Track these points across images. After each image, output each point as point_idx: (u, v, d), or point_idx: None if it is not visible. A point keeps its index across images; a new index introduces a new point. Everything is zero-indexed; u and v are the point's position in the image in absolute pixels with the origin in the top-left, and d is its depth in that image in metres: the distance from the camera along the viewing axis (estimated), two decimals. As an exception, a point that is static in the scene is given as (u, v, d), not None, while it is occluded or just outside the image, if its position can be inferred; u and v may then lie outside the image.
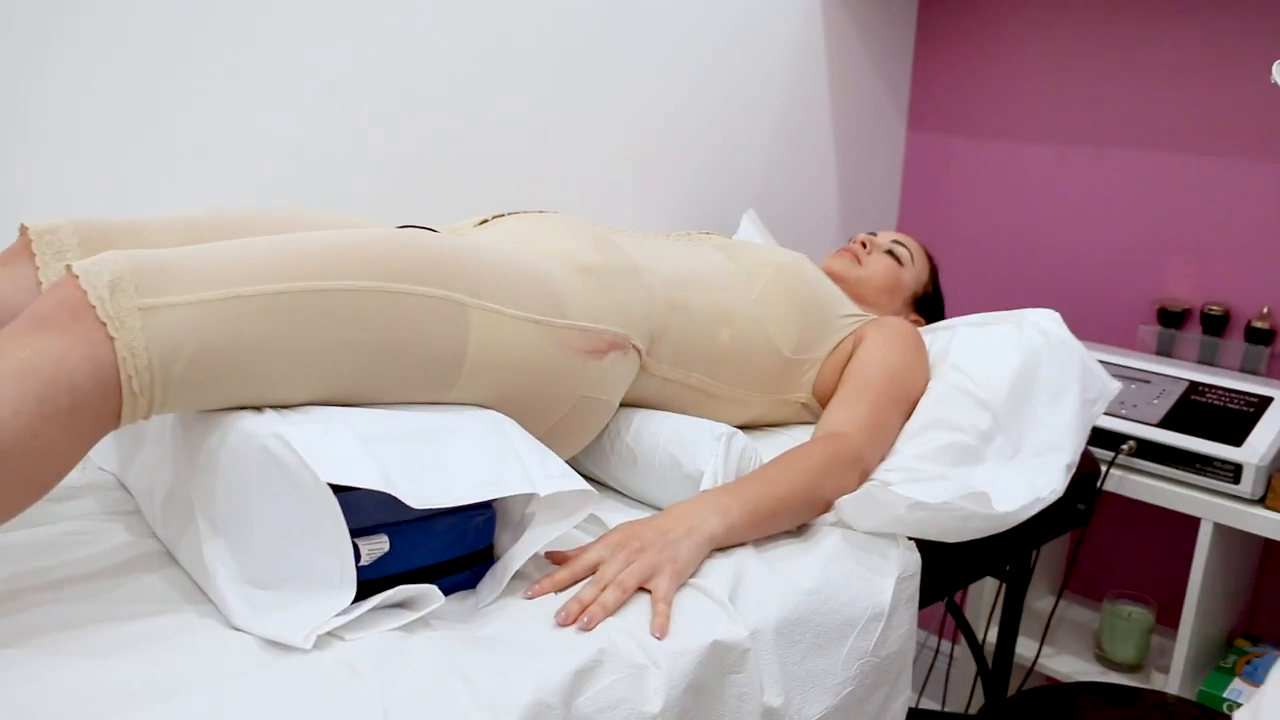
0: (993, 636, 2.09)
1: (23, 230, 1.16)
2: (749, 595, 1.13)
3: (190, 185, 1.55)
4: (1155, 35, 2.20)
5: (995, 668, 1.95)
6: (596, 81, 1.98)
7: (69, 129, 1.44)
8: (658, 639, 1.02)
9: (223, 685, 0.88)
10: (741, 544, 1.21)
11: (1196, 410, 1.93)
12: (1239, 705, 1.85)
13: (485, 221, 1.41)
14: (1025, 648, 2.15)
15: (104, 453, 1.33)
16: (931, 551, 1.33)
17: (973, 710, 2.38)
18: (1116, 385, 1.59)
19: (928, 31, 2.57)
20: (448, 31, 1.76)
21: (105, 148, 1.47)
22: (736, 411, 1.51)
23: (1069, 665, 2.16)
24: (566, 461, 1.17)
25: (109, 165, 1.48)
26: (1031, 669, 2.14)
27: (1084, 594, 2.41)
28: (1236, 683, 1.96)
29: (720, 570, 1.15)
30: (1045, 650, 2.16)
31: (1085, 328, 1.59)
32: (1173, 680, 1.95)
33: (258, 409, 1.03)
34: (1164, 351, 2.20)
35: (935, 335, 1.69)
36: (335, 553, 0.95)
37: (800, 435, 1.55)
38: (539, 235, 1.33)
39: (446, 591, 1.05)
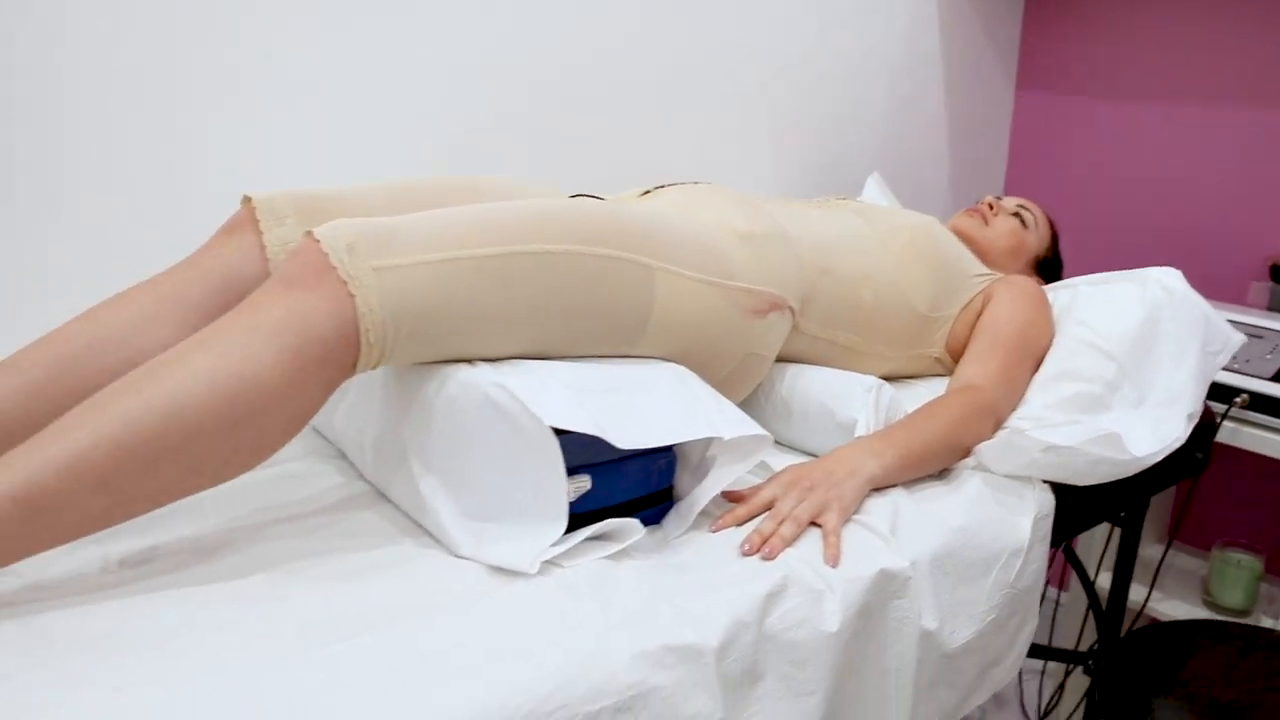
0: (1103, 582, 2.17)
1: (245, 201, 1.29)
2: (906, 530, 1.24)
3: (364, 158, 1.68)
4: (1267, -5, 2.23)
5: (1109, 610, 2.04)
6: (718, 54, 2.07)
7: (260, 104, 1.57)
8: (831, 567, 1.14)
9: (463, 606, 1.01)
10: (895, 485, 1.32)
11: (1308, 364, 1.98)
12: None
13: (648, 192, 1.52)
14: (1134, 595, 2.22)
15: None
16: (1057, 496, 1.42)
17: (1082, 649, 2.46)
18: (1241, 338, 1.66)
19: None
20: (584, 5, 1.86)
21: (289, 122, 1.60)
22: (877, 366, 1.61)
23: (1178, 609, 2.23)
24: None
25: (290, 140, 1.61)
26: (1140, 612, 2.21)
27: (1192, 543, 2.47)
28: (1345, 626, 2.02)
29: (879, 508, 1.26)
30: (1154, 595, 2.23)
31: (1197, 284, 1.65)
32: (1282, 625, 2.01)
33: (469, 362, 1.15)
34: (1276, 308, 2.24)
35: (1057, 294, 1.77)
36: (551, 489, 1.07)
37: (935, 387, 1.64)
38: (699, 205, 1.44)
39: (638, 526, 1.16)
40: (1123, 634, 2.13)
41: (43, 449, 0.93)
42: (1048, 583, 2.58)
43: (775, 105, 2.19)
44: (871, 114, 2.38)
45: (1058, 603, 2.59)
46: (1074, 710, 2.40)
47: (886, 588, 1.17)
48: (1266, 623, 2.15)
